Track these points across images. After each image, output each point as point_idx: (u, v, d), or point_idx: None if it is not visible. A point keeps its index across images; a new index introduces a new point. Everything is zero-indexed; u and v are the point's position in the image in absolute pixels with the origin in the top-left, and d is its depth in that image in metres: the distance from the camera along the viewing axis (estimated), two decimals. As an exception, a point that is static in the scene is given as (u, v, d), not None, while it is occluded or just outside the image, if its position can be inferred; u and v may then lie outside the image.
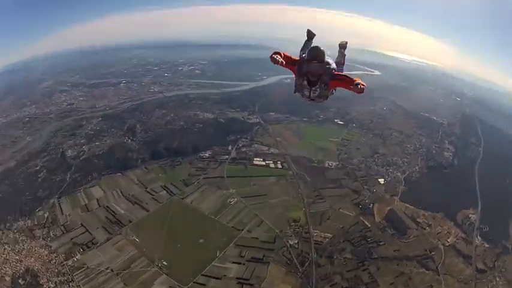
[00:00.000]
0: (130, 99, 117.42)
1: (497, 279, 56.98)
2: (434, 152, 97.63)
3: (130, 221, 60.51)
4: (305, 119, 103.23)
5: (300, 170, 77.42)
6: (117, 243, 56.16)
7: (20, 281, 49.17)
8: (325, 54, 8.73)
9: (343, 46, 12.39)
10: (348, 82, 8.76)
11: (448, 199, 74.00)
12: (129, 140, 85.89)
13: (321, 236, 60.06)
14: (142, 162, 77.58)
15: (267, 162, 79.86)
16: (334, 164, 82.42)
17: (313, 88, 9.38)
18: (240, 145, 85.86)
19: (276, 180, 73.80)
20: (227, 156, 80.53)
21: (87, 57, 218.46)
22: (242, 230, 59.79)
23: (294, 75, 9.62)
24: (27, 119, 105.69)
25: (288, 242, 58.03)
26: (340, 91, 9.68)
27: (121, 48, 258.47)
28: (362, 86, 8.14)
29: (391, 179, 79.32)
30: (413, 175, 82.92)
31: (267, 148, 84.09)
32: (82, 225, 59.47)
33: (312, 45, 9.26)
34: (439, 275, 55.74)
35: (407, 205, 71.00)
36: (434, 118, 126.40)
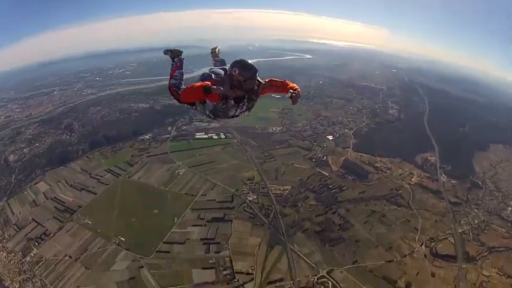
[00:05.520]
0: (64, 103, 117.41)
1: (476, 210, 61.50)
2: (378, 110, 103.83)
3: (80, 206, 58.42)
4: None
5: (244, 137, 79.11)
6: (70, 230, 53.93)
7: (-18, 287, 45.79)
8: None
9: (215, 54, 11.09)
10: (280, 86, 7.85)
11: (402, 146, 79.25)
12: (68, 136, 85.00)
13: (279, 189, 61.50)
14: (83, 153, 76.30)
15: (209, 135, 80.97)
16: (278, 128, 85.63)
17: (241, 104, 7.71)
18: (180, 125, 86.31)
19: (222, 149, 75.27)
20: (168, 136, 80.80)
21: (19, 75, 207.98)
22: (196, 195, 59.62)
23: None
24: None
25: (246, 198, 58.51)
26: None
27: (51, 63, 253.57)
28: (298, 92, 7.28)
29: (339, 135, 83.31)
30: (361, 130, 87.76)
31: (207, 124, 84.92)
32: (33, 219, 56.60)
33: (237, 60, 7.12)
34: (412, 210, 59.09)
35: (362, 154, 74.35)
36: (373, 85, 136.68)
